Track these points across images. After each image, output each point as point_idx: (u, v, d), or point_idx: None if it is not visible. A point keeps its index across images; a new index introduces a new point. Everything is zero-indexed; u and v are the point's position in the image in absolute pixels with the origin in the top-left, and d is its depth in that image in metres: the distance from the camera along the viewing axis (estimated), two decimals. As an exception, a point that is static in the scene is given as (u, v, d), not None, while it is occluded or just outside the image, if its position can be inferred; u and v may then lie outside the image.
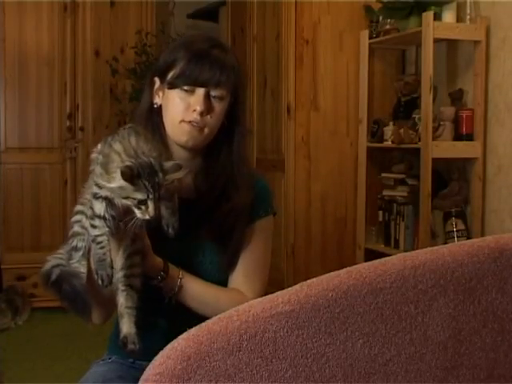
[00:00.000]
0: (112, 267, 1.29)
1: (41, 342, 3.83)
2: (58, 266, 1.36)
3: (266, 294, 0.91)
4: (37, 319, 4.19)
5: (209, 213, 1.53)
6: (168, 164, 1.27)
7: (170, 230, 1.33)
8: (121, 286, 1.35)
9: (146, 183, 1.22)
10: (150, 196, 1.23)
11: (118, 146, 1.26)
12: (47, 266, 1.37)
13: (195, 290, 1.49)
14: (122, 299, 1.35)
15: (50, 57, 4.47)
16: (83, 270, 1.35)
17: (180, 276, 1.46)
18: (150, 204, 1.23)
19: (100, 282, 1.29)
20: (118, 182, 1.22)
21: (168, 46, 1.64)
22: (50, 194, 4.50)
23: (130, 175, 1.21)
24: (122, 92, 4.53)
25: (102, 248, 1.28)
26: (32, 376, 3.30)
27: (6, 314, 4.08)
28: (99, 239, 1.28)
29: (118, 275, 1.34)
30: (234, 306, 1.49)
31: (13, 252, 4.43)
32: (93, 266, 1.32)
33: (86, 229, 1.34)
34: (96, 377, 1.53)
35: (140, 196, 1.23)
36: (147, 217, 1.24)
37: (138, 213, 1.24)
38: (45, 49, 4.46)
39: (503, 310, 1.00)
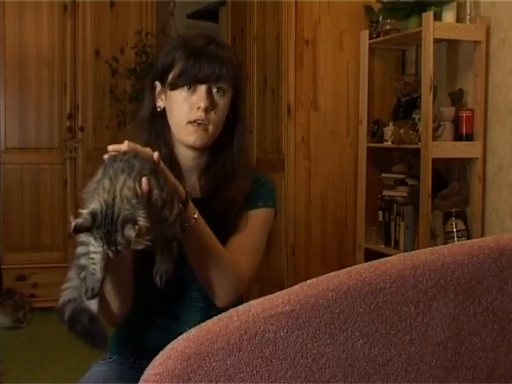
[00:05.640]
0: (101, 283, 1.28)
1: (41, 342, 3.83)
2: (69, 301, 1.35)
3: (263, 291, 0.90)
4: (37, 319, 4.19)
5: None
6: (128, 229, 1.18)
7: (157, 279, 1.31)
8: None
9: (102, 236, 1.19)
10: (98, 249, 1.23)
11: (106, 183, 1.21)
12: (61, 301, 1.36)
13: (205, 231, 1.43)
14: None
15: (50, 57, 4.47)
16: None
17: (196, 216, 1.41)
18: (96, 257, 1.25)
19: (84, 292, 1.28)
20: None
21: (163, 48, 1.62)
22: (50, 194, 4.50)
23: (85, 227, 1.18)
24: (122, 92, 4.54)
25: (93, 264, 1.27)
26: (32, 376, 3.30)
27: (17, 313, 4.09)
28: (92, 255, 1.27)
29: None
30: (231, 266, 1.52)
31: (13, 252, 4.43)
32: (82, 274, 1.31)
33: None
34: (96, 377, 1.53)
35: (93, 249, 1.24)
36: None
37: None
38: (45, 49, 4.46)
39: (503, 310, 1.00)
